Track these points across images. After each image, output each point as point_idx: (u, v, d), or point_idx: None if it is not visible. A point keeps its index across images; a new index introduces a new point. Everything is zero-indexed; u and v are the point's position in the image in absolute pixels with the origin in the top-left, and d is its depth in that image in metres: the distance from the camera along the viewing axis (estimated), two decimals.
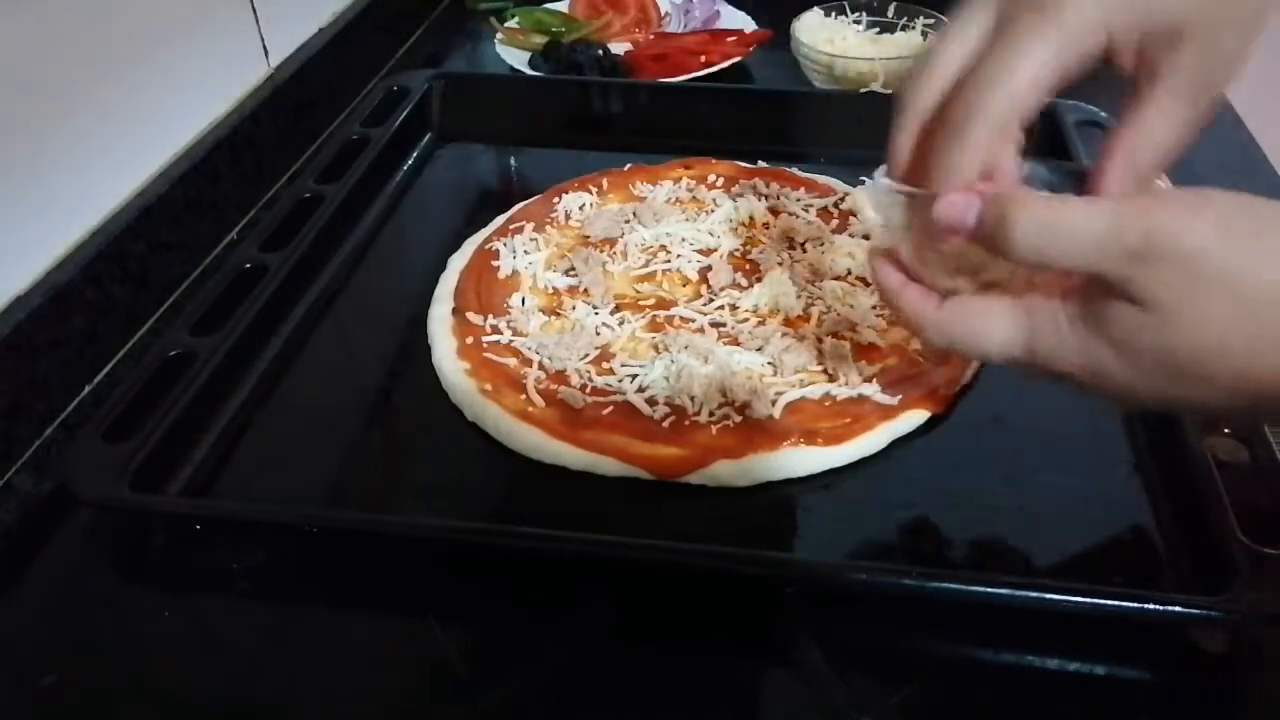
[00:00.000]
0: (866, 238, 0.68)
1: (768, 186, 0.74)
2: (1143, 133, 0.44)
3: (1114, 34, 0.41)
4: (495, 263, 0.67)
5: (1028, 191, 0.40)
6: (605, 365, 0.59)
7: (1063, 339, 0.39)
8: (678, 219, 0.70)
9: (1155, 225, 0.35)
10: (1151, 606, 0.43)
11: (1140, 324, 0.37)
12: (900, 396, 0.55)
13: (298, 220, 0.69)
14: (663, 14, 1.07)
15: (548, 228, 0.71)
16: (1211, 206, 0.36)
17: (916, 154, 0.45)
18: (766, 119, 0.82)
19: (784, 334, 0.59)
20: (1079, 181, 0.44)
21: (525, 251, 0.68)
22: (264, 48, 0.83)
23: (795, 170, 0.77)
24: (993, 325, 0.41)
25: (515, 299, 0.64)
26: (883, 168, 0.46)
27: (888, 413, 0.55)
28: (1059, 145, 0.75)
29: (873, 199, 0.46)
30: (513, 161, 0.85)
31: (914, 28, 0.93)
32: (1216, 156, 0.82)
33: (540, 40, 0.99)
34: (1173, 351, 0.37)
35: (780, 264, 0.65)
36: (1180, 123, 0.44)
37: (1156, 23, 0.41)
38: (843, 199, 0.72)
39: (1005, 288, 0.43)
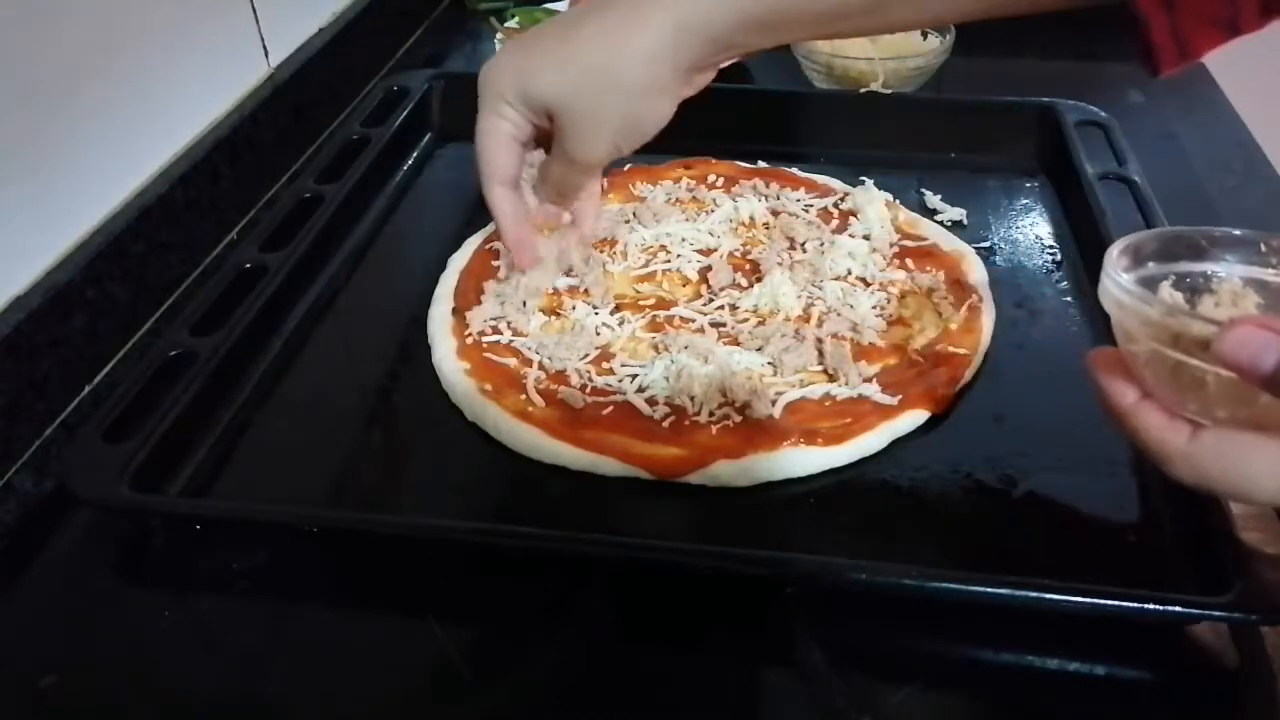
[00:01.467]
0: (867, 237, 0.68)
1: (768, 186, 0.74)
2: (540, 167, 0.58)
3: (527, 112, 0.53)
4: (495, 263, 0.67)
5: None
6: (605, 365, 0.59)
7: None
8: (678, 219, 0.70)
9: None
10: (1151, 606, 0.43)
11: None
12: (900, 396, 0.55)
13: (298, 220, 0.69)
14: None
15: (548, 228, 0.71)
16: None
17: None
18: (766, 119, 0.82)
19: (784, 334, 0.59)
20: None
21: None
22: (264, 48, 0.83)
23: (795, 170, 0.77)
24: (1264, 470, 0.37)
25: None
26: (1119, 255, 0.41)
27: (888, 413, 0.55)
28: (1059, 145, 0.75)
29: (1118, 293, 0.39)
30: None
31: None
32: (1216, 156, 0.82)
33: None
34: None
35: (780, 264, 0.65)
36: (557, 169, 0.56)
37: (539, 109, 0.53)
38: (843, 199, 0.72)
39: (1273, 421, 0.37)
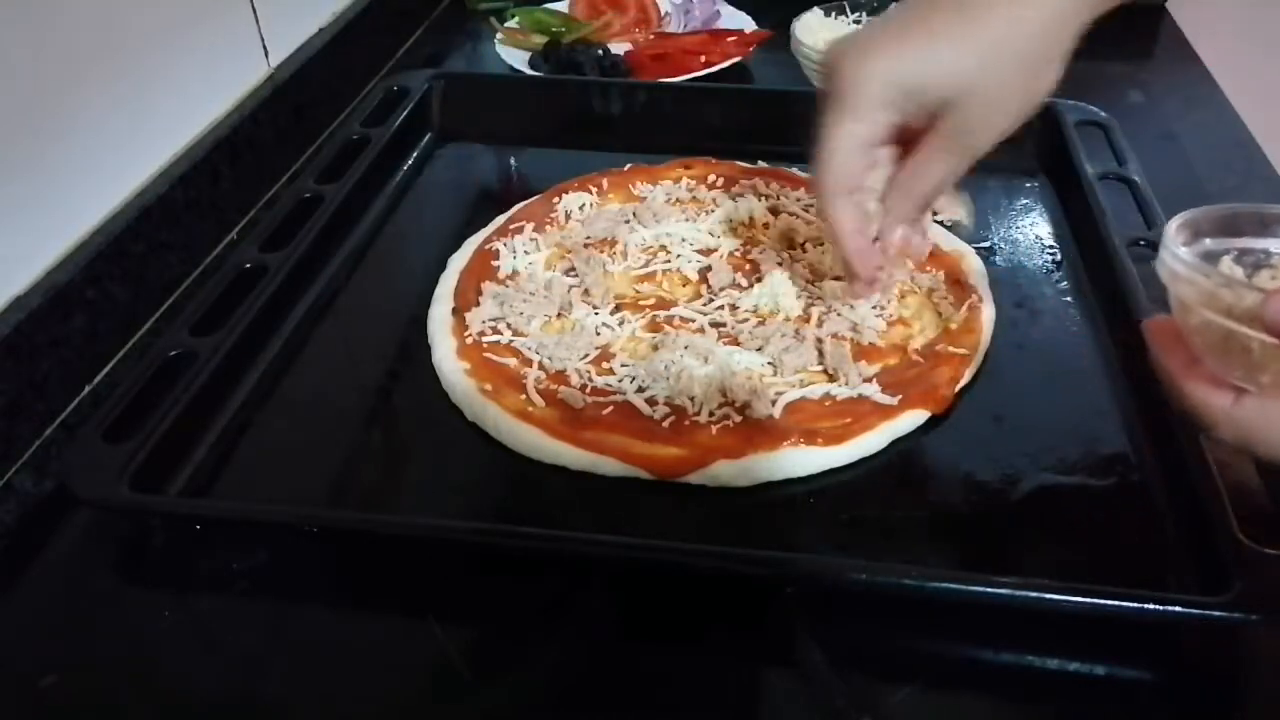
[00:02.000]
0: None
1: (768, 186, 0.74)
2: (913, 170, 0.52)
3: (901, 109, 0.50)
4: (495, 263, 0.67)
5: None
6: (605, 365, 0.59)
7: None
8: (678, 219, 0.70)
9: None
10: (1151, 606, 0.43)
11: None
12: (900, 396, 0.55)
13: (298, 220, 0.69)
14: (663, 14, 1.07)
15: (548, 228, 0.71)
16: None
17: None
18: (766, 119, 0.82)
19: (784, 334, 0.59)
20: None
21: (525, 251, 0.68)
22: (264, 48, 0.83)
23: (795, 170, 0.77)
24: None
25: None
26: (1177, 230, 0.43)
27: (888, 413, 0.55)
28: (1059, 145, 0.75)
29: (1175, 265, 0.41)
30: (513, 161, 0.85)
31: None
32: (1216, 156, 0.82)
33: (540, 40, 0.99)
34: None
35: (780, 264, 0.65)
36: (942, 168, 0.52)
37: (929, 100, 0.49)
38: None
39: None
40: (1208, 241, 0.43)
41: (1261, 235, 0.43)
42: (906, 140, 0.53)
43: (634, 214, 0.71)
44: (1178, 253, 0.41)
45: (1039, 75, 0.50)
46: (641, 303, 0.64)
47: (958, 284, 0.64)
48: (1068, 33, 0.49)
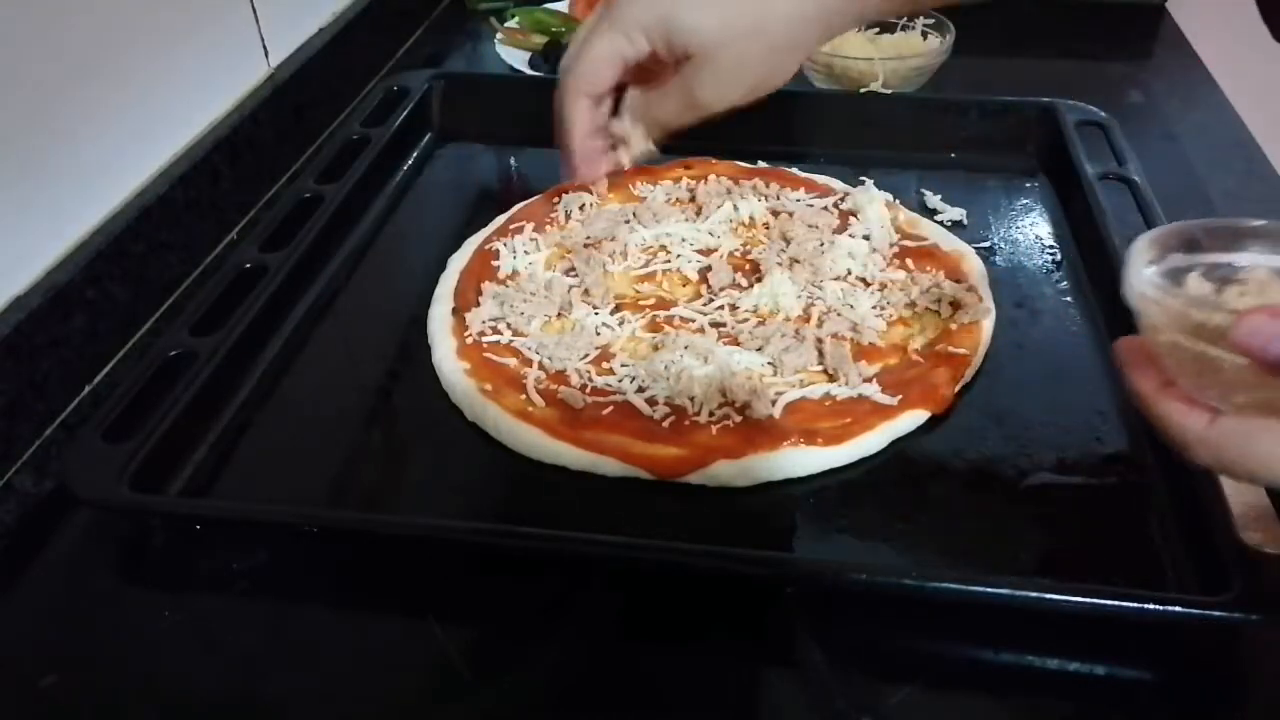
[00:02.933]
0: (867, 238, 0.68)
1: (768, 186, 0.74)
2: (648, 98, 0.59)
3: (655, 43, 0.55)
4: (495, 263, 0.67)
5: None
6: (605, 365, 0.59)
7: None
8: (678, 219, 0.70)
9: None
10: (1151, 606, 0.43)
11: None
12: (900, 396, 0.55)
13: (298, 220, 0.69)
14: None
15: (548, 228, 0.71)
16: None
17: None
18: (766, 119, 0.82)
19: (784, 334, 0.59)
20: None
21: (525, 251, 0.68)
22: (264, 48, 0.83)
23: (795, 170, 0.77)
24: None
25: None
26: (1141, 249, 0.42)
27: (888, 413, 0.55)
28: (1059, 145, 0.75)
29: (1142, 286, 0.40)
30: (513, 161, 0.85)
31: (914, 28, 0.93)
32: (1216, 156, 0.83)
33: (540, 40, 0.99)
34: None
35: (780, 264, 0.65)
36: (672, 106, 0.58)
37: (676, 46, 0.55)
38: (843, 199, 0.72)
39: None
40: (1175, 257, 0.42)
41: (1230, 249, 0.43)
42: (648, 79, 0.59)
43: (634, 214, 0.71)
44: (1143, 273, 0.40)
45: (777, 62, 0.55)
46: (641, 303, 0.64)
47: (958, 284, 0.64)
48: (814, 32, 0.54)
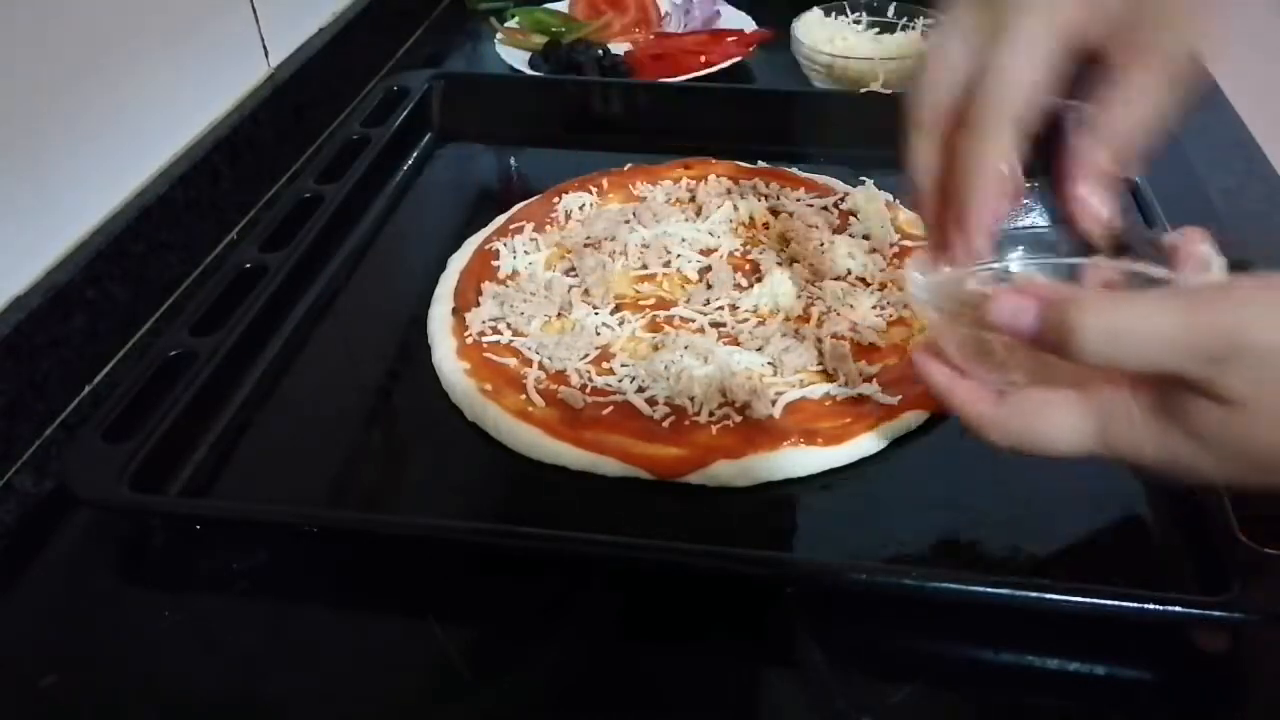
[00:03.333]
0: (866, 237, 0.68)
1: (768, 186, 0.74)
2: (1123, 107, 0.42)
3: (1093, 20, 0.41)
4: (495, 263, 0.67)
5: (1083, 292, 0.39)
6: (605, 365, 0.59)
7: (1137, 432, 0.38)
8: (678, 219, 0.70)
9: (1235, 323, 0.34)
10: (1151, 606, 0.43)
11: (1223, 420, 0.36)
12: (900, 396, 0.55)
13: (298, 220, 0.69)
14: (663, 14, 1.07)
15: (548, 228, 0.71)
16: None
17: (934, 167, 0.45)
18: (766, 119, 0.82)
19: (784, 334, 0.59)
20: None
21: (525, 251, 0.68)
22: (264, 48, 0.83)
23: (795, 170, 0.77)
24: (1060, 420, 0.40)
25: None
26: (916, 263, 0.46)
27: (888, 413, 0.55)
28: (1059, 145, 0.75)
29: (917, 292, 0.45)
30: (513, 161, 0.85)
31: (914, 28, 0.93)
32: (1217, 156, 0.82)
33: (540, 40, 0.99)
34: (1258, 444, 0.36)
35: (780, 264, 0.65)
36: (1157, 95, 0.42)
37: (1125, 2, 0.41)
38: (843, 199, 0.72)
39: (1062, 379, 0.41)
40: (946, 270, 0.46)
41: (1000, 255, 0.47)
42: None
43: (634, 214, 0.71)
44: (915, 279, 0.46)
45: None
46: (641, 303, 0.64)
47: None
48: None
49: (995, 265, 0.46)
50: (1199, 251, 0.42)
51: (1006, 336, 0.39)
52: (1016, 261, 0.47)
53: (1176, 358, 0.35)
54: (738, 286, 0.64)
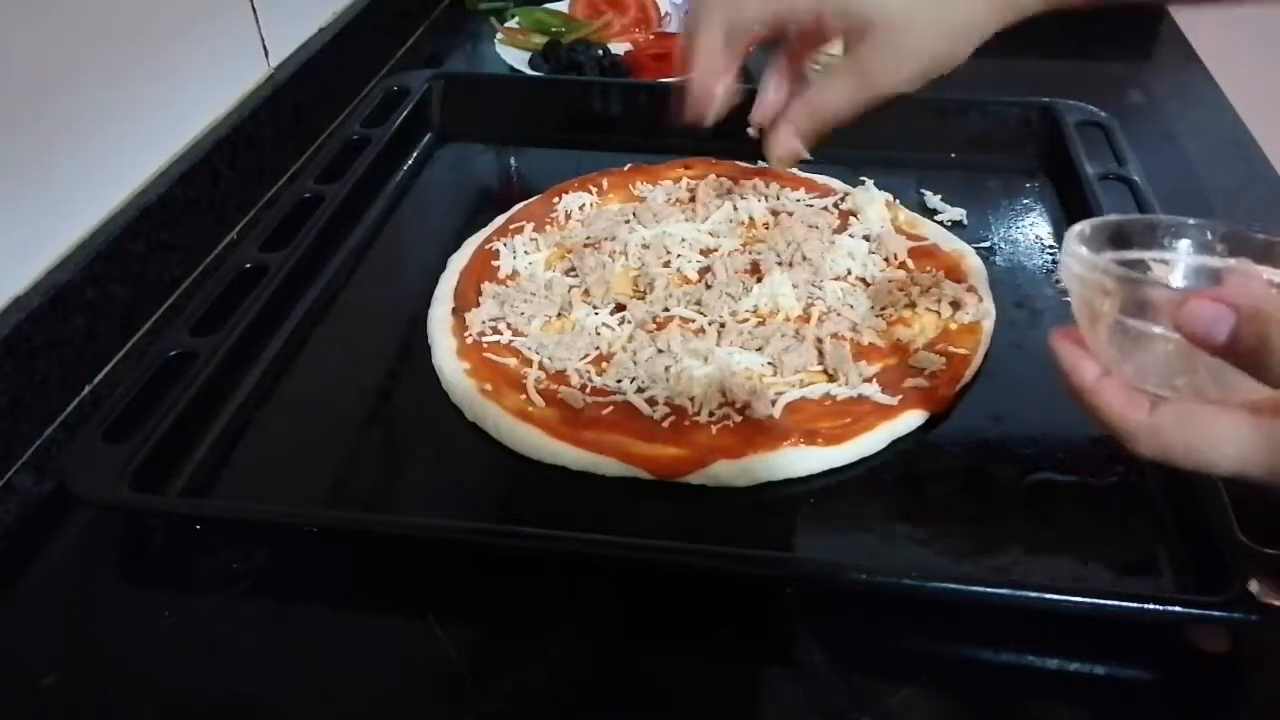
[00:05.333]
0: (867, 238, 0.68)
1: (768, 186, 0.74)
2: (817, 89, 0.55)
3: (822, 7, 0.51)
4: (495, 263, 0.67)
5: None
6: (605, 365, 0.59)
7: None
8: (678, 219, 0.70)
9: None
10: (1151, 606, 0.43)
11: None
12: (900, 396, 0.55)
13: (298, 220, 0.69)
14: (663, 14, 1.07)
15: (548, 228, 0.71)
16: None
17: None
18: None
19: (784, 334, 0.59)
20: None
21: (525, 251, 0.68)
22: (264, 48, 0.83)
23: (795, 170, 0.77)
24: (1227, 438, 0.37)
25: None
26: (1081, 231, 0.42)
27: (888, 413, 0.55)
28: (1059, 146, 0.75)
29: (1080, 267, 0.40)
30: (513, 161, 0.85)
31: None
32: (1217, 157, 0.82)
33: (540, 40, 1.00)
34: None
35: (780, 264, 0.65)
36: (844, 93, 0.54)
37: (852, 16, 0.51)
38: (843, 199, 0.72)
39: (1232, 395, 0.38)
40: (1108, 252, 0.43)
41: (1157, 247, 0.44)
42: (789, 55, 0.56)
43: (634, 214, 0.71)
44: (1080, 254, 0.40)
45: (958, 41, 0.51)
46: (641, 302, 0.64)
47: (958, 284, 0.64)
48: (995, 17, 0.51)
49: (1149, 255, 0.44)
50: None
51: (1187, 341, 0.36)
52: (1172, 255, 0.44)
53: None
54: (738, 286, 0.64)
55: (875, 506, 0.52)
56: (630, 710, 0.44)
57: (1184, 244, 0.43)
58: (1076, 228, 0.42)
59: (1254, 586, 0.42)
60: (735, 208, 0.71)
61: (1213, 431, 0.38)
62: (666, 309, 0.63)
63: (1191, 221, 0.43)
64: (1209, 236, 0.43)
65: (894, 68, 0.52)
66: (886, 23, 0.50)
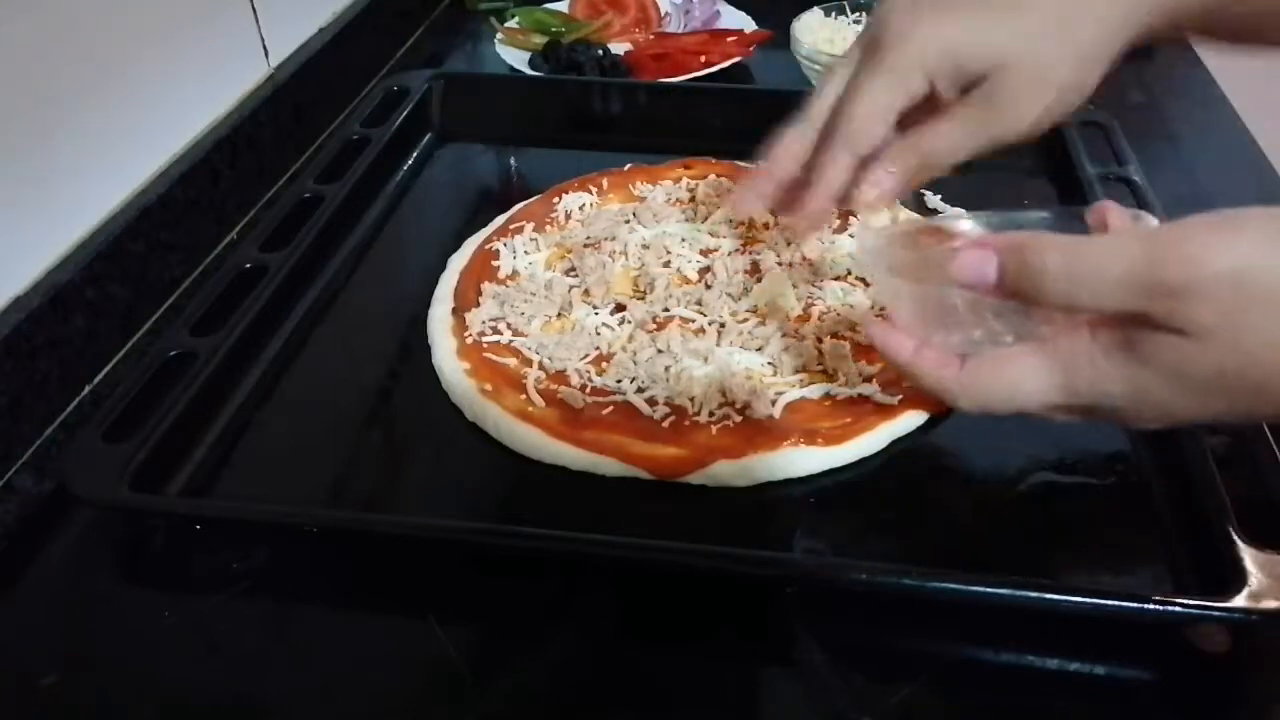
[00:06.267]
0: None
1: None
2: (932, 131, 0.52)
3: (938, 76, 0.50)
4: (495, 263, 0.67)
5: (1042, 234, 0.39)
6: (605, 365, 0.59)
7: (1102, 371, 0.39)
8: (678, 219, 0.70)
9: (1192, 254, 0.35)
10: (1151, 606, 0.43)
11: (1188, 352, 0.36)
12: (900, 396, 0.55)
13: (298, 220, 0.69)
14: (663, 14, 1.07)
15: (548, 228, 0.71)
16: (1248, 225, 0.36)
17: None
18: (766, 119, 0.82)
19: (784, 334, 0.59)
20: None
21: (525, 251, 0.68)
22: (264, 48, 0.83)
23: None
24: (1024, 374, 0.40)
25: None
26: (864, 226, 0.48)
27: (888, 413, 0.55)
28: (1059, 145, 0.75)
29: (868, 250, 0.45)
30: (513, 161, 0.85)
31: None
32: (1217, 157, 0.82)
33: (540, 40, 0.99)
34: (1224, 373, 0.36)
35: (780, 264, 0.65)
36: (960, 135, 0.51)
37: (970, 70, 0.49)
38: None
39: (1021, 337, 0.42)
40: (893, 229, 0.49)
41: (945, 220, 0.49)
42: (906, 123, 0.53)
43: (634, 214, 0.71)
44: (867, 237, 0.46)
45: (1082, 70, 0.49)
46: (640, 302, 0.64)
47: None
48: (1120, 36, 0.49)
49: (944, 221, 0.48)
50: (1124, 214, 0.44)
51: (970, 292, 0.40)
52: (963, 218, 0.49)
53: (1136, 295, 0.36)
54: (738, 286, 0.64)
55: (875, 506, 0.52)
56: (630, 710, 0.44)
57: (966, 224, 0.49)
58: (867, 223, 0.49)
59: (1254, 586, 0.43)
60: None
61: (1011, 373, 0.41)
62: (666, 309, 0.63)
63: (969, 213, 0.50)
64: (991, 220, 0.48)
65: (1020, 109, 0.50)
66: (1002, 66, 0.48)
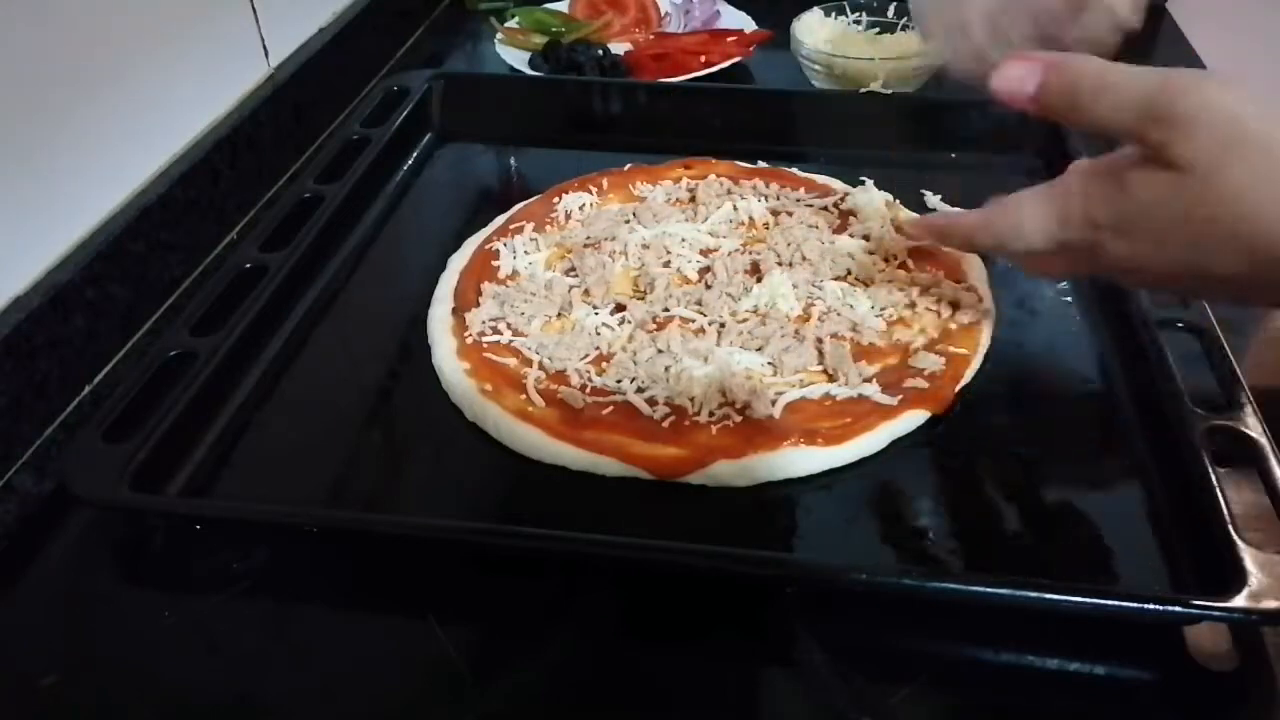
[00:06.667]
0: (866, 238, 0.68)
1: (768, 186, 0.74)
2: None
3: None
4: (495, 263, 0.67)
5: (1076, 55, 0.44)
6: (605, 365, 0.59)
7: (1092, 199, 0.44)
8: (678, 219, 0.70)
9: (1204, 94, 0.40)
10: (1151, 606, 0.43)
11: (1172, 188, 0.40)
12: (900, 396, 0.55)
13: (298, 220, 0.69)
14: (663, 14, 1.07)
15: (548, 228, 0.71)
16: (1244, 84, 0.40)
17: None
18: (766, 119, 0.82)
19: (784, 334, 0.59)
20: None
21: (525, 251, 0.68)
22: (264, 48, 0.83)
23: (795, 170, 0.77)
24: (1028, 210, 0.47)
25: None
26: None
27: (888, 413, 0.55)
28: (1059, 146, 0.75)
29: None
30: (513, 161, 0.85)
31: (914, 28, 0.93)
32: None
33: (540, 40, 1.00)
34: (1202, 215, 0.39)
35: (780, 264, 0.65)
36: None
37: None
38: (843, 199, 0.72)
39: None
40: None
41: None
42: None
43: (634, 214, 0.71)
44: None
45: None
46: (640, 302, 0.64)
47: (958, 284, 0.64)
48: None
49: None
50: None
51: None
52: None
53: (1143, 118, 0.41)
54: (738, 286, 0.64)
55: (875, 506, 0.52)
56: (630, 710, 0.44)
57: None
58: None
59: (1254, 586, 0.43)
60: (735, 208, 0.71)
61: (1018, 210, 0.48)
62: (666, 309, 0.63)
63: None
64: None
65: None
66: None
